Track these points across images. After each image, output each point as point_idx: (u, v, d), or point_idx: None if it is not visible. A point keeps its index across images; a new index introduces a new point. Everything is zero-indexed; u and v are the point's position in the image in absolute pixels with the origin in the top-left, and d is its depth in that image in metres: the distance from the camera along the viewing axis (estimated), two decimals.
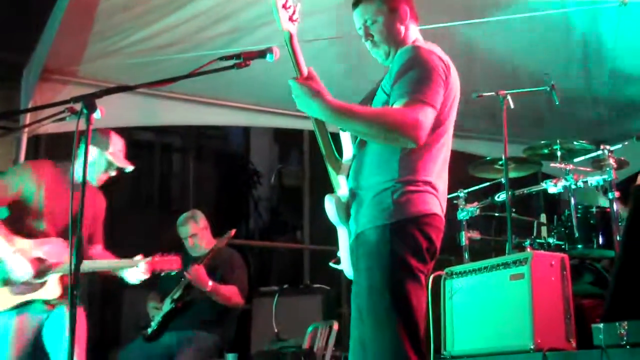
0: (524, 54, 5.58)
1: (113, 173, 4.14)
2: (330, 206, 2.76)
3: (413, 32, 2.92)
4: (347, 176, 2.80)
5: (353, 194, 2.76)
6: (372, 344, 2.58)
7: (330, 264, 2.93)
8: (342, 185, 2.80)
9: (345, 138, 2.86)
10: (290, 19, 2.75)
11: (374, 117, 2.61)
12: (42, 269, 3.85)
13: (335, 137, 2.85)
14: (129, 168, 4.14)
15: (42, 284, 3.89)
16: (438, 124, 2.70)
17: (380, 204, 2.65)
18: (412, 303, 2.57)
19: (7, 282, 3.81)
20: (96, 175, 4.08)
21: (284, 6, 2.72)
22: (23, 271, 3.80)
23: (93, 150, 4.01)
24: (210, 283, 4.99)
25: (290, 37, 2.74)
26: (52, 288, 3.90)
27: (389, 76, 2.76)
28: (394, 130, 2.55)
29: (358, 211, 2.72)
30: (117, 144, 4.13)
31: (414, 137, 2.53)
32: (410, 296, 2.57)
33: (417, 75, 2.65)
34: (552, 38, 5.43)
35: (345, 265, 2.82)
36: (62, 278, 3.90)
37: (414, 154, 2.66)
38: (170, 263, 4.17)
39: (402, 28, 2.88)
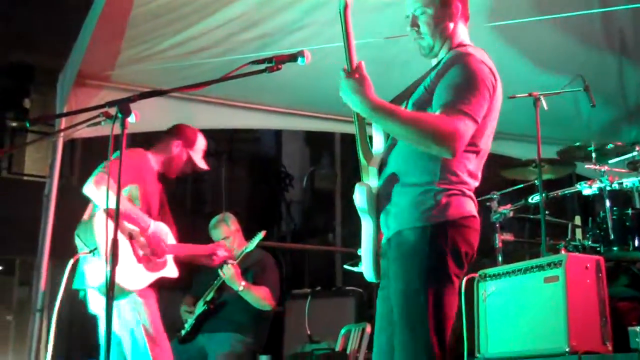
0: (557, 54, 5.52)
1: (188, 170, 4.39)
2: (360, 195, 2.68)
3: (461, 32, 2.84)
4: (378, 169, 2.74)
5: (386, 191, 2.69)
6: (402, 348, 2.54)
7: (346, 266, 2.86)
8: (371, 176, 2.74)
9: (377, 129, 2.79)
10: None
11: (411, 121, 2.54)
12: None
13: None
14: (205, 168, 4.44)
15: (164, 263, 3.99)
16: (484, 131, 2.66)
17: (421, 204, 2.59)
18: (446, 309, 2.54)
19: (146, 258, 3.89)
20: (176, 169, 4.33)
21: None
22: (159, 248, 3.92)
23: (178, 145, 4.27)
24: (243, 283, 5.03)
25: (345, 6, 2.65)
26: (172, 267, 4.05)
27: (434, 74, 2.70)
28: (430, 137, 2.49)
29: (392, 210, 2.66)
30: (201, 144, 4.40)
31: (449, 147, 2.49)
32: (445, 302, 2.53)
33: (464, 85, 2.59)
34: (586, 38, 5.37)
35: (366, 265, 2.73)
36: (175, 258, 4.07)
37: (463, 158, 2.62)
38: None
39: (451, 25, 2.80)
